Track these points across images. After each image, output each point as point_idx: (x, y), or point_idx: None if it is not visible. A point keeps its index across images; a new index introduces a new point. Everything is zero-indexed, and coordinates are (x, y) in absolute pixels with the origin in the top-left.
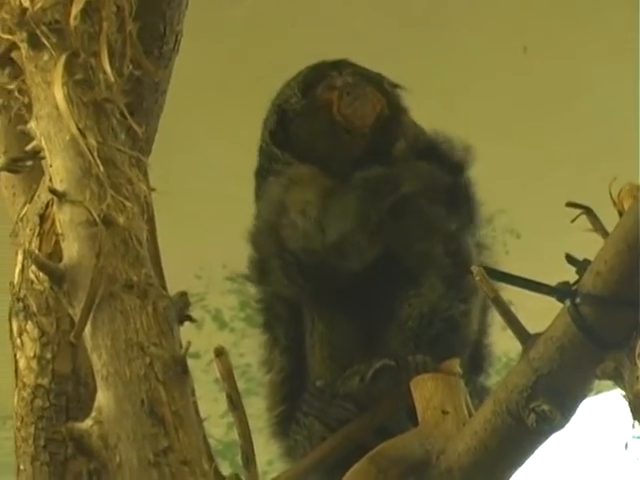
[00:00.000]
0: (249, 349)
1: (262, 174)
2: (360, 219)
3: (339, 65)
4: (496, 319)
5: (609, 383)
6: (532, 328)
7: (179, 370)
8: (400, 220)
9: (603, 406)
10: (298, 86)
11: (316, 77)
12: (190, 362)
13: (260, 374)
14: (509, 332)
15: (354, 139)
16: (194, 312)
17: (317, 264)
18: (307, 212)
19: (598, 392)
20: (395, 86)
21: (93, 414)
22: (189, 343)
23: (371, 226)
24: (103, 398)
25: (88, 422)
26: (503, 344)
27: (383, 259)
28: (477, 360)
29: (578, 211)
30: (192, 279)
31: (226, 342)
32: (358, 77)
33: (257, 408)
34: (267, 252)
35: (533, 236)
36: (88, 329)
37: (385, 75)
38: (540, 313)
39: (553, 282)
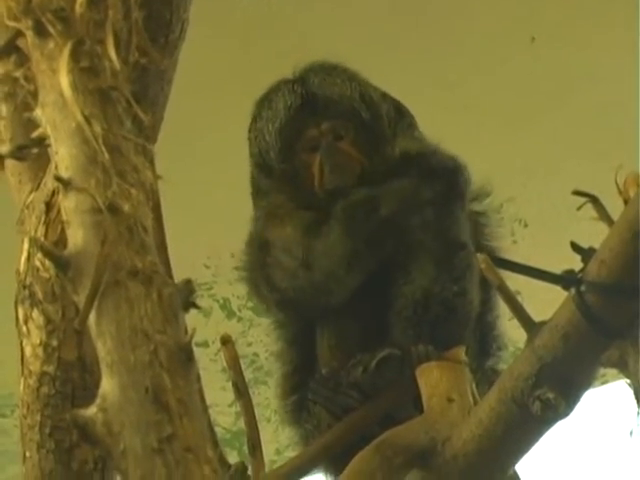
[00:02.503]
0: (257, 338)
1: (254, 187)
2: (344, 255)
3: (317, 111)
4: (504, 310)
5: (615, 373)
6: (541, 319)
7: (184, 357)
8: (382, 243)
9: (609, 396)
10: (276, 140)
11: (293, 133)
12: (198, 351)
13: (268, 363)
14: (516, 321)
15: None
16: (202, 301)
17: (308, 301)
18: (292, 251)
19: (604, 382)
20: (376, 105)
21: (97, 401)
22: (194, 330)
23: (354, 259)
24: (107, 385)
25: (92, 409)
26: (511, 333)
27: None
28: (485, 344)
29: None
30: (200, 268)
31: (234, 331)
32: (337, 127)
33: (265, 397)
34: (257, 290)
35: (541, 225)
36: (93, 316)
37: (359, 87)
38: (549, 304)
39: (561, 271)
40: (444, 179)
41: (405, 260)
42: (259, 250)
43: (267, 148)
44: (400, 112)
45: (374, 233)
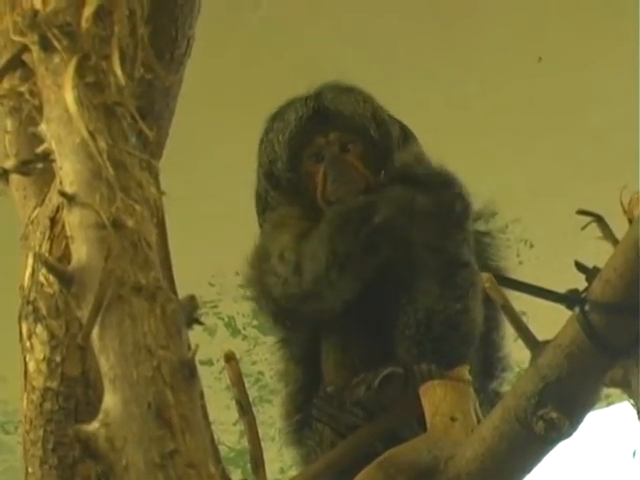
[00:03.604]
0: (262, 357)
1: (260, 203)
2: (331, 257)
3: (325, 121)
4: (509, 331)
5: (620, 394)
6: (546, 338)
7: (187, 373)
8: (378, 249)
9: (614, 417)
10: (284, 149)
11: (301, 142)
12: (203, 369)
13: (273, 382)
14: (521, 342)
15: None
16: (207, 319)
17: (300, 308)
18: (285, 257)
19: (609, 403)
20: (387, 125)
21: (100, 416)
22: (197, 346)
23: (342, 261)
24: (110, 400)
25: (95, 425)
26: (516, 354)
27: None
28: (489, 365)
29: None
30: (205, 286)
31: (239, 349)
32: (344, 139)
33: (269, 416)
34: (258, 303)
35: (547, 246)
36: (96, 331)
37: (372, 108)
38: (554, 324)
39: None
40: (438, 189)
41: (407, 278)
42: (259, 260)
43: (275, 158)
44: (404, 134)
45: (367, 238)
